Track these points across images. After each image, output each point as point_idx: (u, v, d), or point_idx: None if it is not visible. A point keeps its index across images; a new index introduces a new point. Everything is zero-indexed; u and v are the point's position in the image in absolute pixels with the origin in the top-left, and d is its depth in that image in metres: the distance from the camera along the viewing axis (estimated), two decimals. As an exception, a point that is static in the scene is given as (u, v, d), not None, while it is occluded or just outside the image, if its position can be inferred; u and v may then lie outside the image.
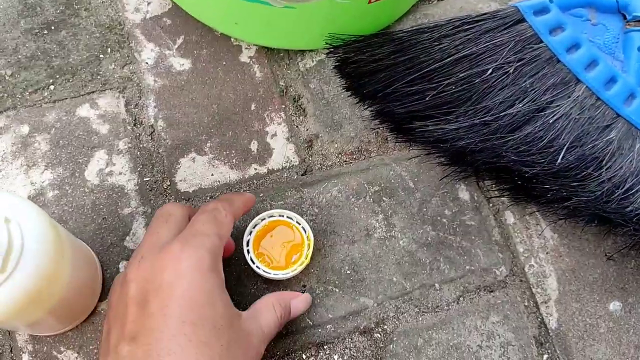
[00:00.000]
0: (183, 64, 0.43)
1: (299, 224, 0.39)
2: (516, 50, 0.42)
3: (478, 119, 0.39)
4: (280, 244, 0.39)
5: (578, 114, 0.41)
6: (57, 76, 0.42)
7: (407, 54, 0.41)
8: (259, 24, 0.40)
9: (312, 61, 0.44)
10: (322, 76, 0.44)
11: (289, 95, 0.43)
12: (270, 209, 0.40)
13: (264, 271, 0.37)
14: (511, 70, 0.41)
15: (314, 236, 0.39)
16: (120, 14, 0.44)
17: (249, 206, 0.37)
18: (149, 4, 0.44)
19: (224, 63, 0.44)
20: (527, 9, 0.43)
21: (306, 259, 0.38)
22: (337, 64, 0.42)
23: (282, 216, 0.39)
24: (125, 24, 0.44)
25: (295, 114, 0.43)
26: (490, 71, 0.41)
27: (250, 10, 0.38)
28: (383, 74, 0.40)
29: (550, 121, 0.40)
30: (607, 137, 0.41)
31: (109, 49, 0.43)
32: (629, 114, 0.42)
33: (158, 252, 0.31)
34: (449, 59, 0.41)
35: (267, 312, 0.34)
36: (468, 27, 0.42)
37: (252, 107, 0.43)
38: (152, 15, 0.44)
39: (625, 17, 0.45)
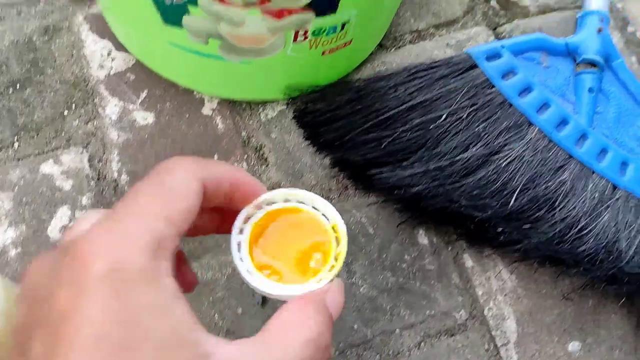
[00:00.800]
0: (147, 118, 0.44)
1: (317, 209, 0.27)
2: (470, 96, 0.43)
3: (432, 164, 0.41)
4: (292, 243, 0.26)
5: (531, 156, 0.42)
6: (22, 134, 0.43)
7: (363, 102, 0.42)
8: (218, 78, 0.41)
9: (274, 111, 0.45)
10: (283, 126, 0.45)
11: (251, 146, 0.44)
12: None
13: (270, 287, 0.24)
14: (465, 115, 0.43)
15: None
16: (85, 71, 0.45)
17: (244, 188, 0.24)
18: (113, 60, 0.45)
19: (187, 116, 0.45)
20: (479, 55, 0.44)
21: (337, 260, 0.25)
22: (296, 114, 0.43)
23: (290, 201, 0.27)
24: (90, 80, 0.45)
25: (258, 163, 0.44)
26: (444, 117, 0.42)
27: (208, 65, 0.39)
28: (340, 123, 0.42)
29: (503, 164, 0.42)
30: (560, 178, 0.42)
31: (74, 106, 0.44)
32: (581, 155, 0.43)
33: (59, 253, 0.19)
34: (403, 106, 0.42)
35: (305, 326, 0.21)
36: (422, 74, 0.43)
37: (215, 158, 0.44)
38: (116, 71, 0.45)
39: (575, 60, 0.47)
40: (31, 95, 0.44)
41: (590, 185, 0.42)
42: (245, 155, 0.44)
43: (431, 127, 0.42)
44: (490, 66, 0.44)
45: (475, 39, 0.49)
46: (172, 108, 0.45)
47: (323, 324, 0.22)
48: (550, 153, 0.43)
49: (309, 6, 0.32)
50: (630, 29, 0.50)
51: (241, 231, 0.25)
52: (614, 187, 0.43)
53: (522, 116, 0.44)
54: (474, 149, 0.42)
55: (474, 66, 0.44)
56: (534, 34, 0.46)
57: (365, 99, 0.42)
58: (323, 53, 0.39)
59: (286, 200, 0.27)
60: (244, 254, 0.25)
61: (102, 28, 0.46)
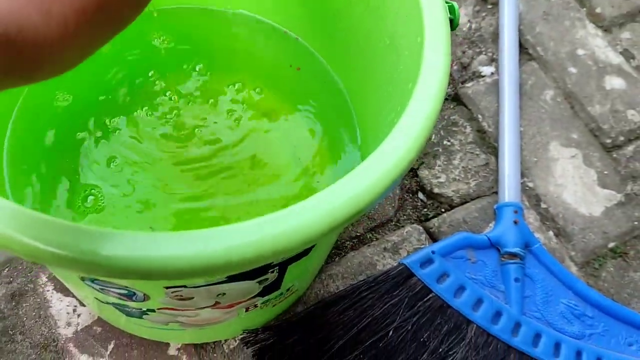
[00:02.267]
0: (116, 369, 0.47)
1: None
2: (411, 306, 0.48)
3: (387, 387, 0.44)
4: None
5: (474, 356, 0.47)
6: (-3, 409, 0.45)
7: (313, 334, 0.46)
8: (180, 335, 0.45)
9: (235, 341, 0.49)
10: (245, 354, 0.48)
11: (218, 379, 0.47)
12: None
13: None
14: (409, 327, 0.47)
15: None
16: (53, 331, 0.48)
17: None
18: (79, 315, 0.48)
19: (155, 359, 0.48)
20: (413, 264, 0.49)
21: None
22: (254, 353, 0.47)
23: None
24: (59, 339, 0.47)
25: (226, 396, 0.47)
26: (391, 332, 0.47)
27: (169, 331, 0.42)
28: (294, 358, 0.45)
29: (451, 372, 0.46)
30: (504, 372, 0.47)
31: (45, 369, 0.46)
32: (518, 344, 0.48)
33: None
34: (353, 330, 0.46)
35: None
36: (365, 294, 0.48)
37: (185, 398, 0.46)
38: (83, 326, 0.48)
39: (499, 250, 0.52)
40: (3, 366, 0.46)
41: (533, 374, 0.47)
42: (214, 390, 0.47)
43: (381, 345, 0.46)
44: (424, 273, 0.49)
45: (409, 240, 0.54)
46: (139, 354, 0.48)
47: None
48: (491, 347, 0.48)
49: (254, 296, 0.37)
50: (543, 205, 0.57)
51: None
52: (552, 373, 0.47)
53: (460, 315, 0.48)
54: (422, 361, 0.46)
55: (411, 275, 0.49)
56: (459, 234, 0.52)
57: (316, 331, 0.46)
58: (274, 305, 0.43)
59: None
60: None
61: (65, 287, 0.49)
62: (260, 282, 0.35)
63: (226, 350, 0.48)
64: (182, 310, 0.36)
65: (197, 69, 0.49)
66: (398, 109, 0.32)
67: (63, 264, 0.23)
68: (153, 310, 0.36)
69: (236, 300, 0.36)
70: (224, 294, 0.34)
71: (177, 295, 0.33)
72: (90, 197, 0.41)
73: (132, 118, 0.45)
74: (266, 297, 0.39)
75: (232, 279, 0.32)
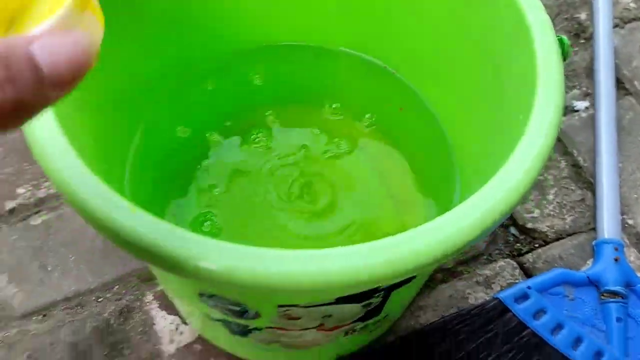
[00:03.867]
0: (214, 388, 0.49)
1: None
2: (506, 341, 0.47)
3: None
4: None
5: (574, 397, 0.45)
6: (106, 418, 0.47)
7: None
8: (277, 356, 0.46)
9: (327, 367, 0.49)
10: (337, 380, 0.49)
11: (310, 403, 0.48)
12: None
13: None
14: (506, 362, 0.46)
15: None
16: (157, 347, 0.50)
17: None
18: (181, 333, 0.51)
19: (250, 380, 0.49)
20: (508, 300, 0.49)
21: None
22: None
23: None
24: (163, 355, 0.50)
25: (318, 421, 0.47)
26: (486, 367, 0.46)
27: (269, 352, 0.44)
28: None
29: (550, 412, 0.44)
30: (606, 416, 0.45)
31: (149, 384, 0.49)
32: (622, 387, 0.46)
33: None
34: (448, 363, 0.46)
35: None
36: (460, 326, 0.48)
37: (279, 421, 0.47)
38: (185, 344, 0.50)
39: (598, 289, 0.51)
40: (112, 378, 0.49)
41: (635, 420, 0.44)
42: (306, 415, 0.47)
43: (476, 379, 0.45)
44: (520, 308, 0.48)
45: (501, 274, 0.53)
46: (235, 375, 0.49)
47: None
48: (592, 389, 0.46)
49: (355, 321, 0.38)
50: (644, 244, 0.55)
51: None
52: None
53: (559, 354, 0.47)
54: (519, 399, 0.45)
55: (505, 310, 0.48)
56: (556, 270, 0.50)
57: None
58: (370, 332, 0.43)
59: None
60: None
61: (169, 304, 0.52)
62: (364, 306, 0.36)
63: (318, 376, 0.49)
64: (287, 330, 0.38)
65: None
66: (504, 147, 0.32)
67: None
68: (259, 329, 0.38)
69: (339, 323, 0.37)
70: (330, 315, 0.35)
71: (286, 315, 0.34)
72: (207, 223, 0.44)
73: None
74: (365, 322, 0.40)
75: (340, 301, 0.33)
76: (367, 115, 0.50)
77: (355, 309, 0.36)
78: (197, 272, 0.25)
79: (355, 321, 0.38)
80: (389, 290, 0.35)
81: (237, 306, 0.34)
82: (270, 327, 0.37)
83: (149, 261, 0.27)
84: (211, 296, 0.34)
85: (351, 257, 0.26)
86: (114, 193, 0.27)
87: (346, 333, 0.41)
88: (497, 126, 0.37)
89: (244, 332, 0.39)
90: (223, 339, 0.46)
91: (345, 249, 0.27)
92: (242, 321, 0.37)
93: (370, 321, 0.40)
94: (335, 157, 0.48)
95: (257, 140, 0.48)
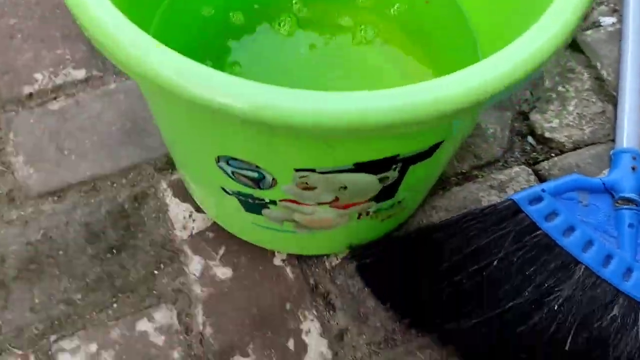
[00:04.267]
0: (225, 273, 0.50)
1: None
2: (517, 240, 0.47)
3: (490, 312, 0.44)
4: None
5: (581, 295, 0.46)
6: (119, 295, 0.48)
7: (418, 256, 0.46)
8: (288, 242, 0.47)
9: (337, 259, 0.50)
10: (346, 271, 0.50)
11: (319, 292, 0.49)
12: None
13: None
14: (515, 260, 0.46)
15: None
16: (171, 232, 0.51)
17: None
18: (194, 221, 0.51)
19: (261, 268, 0.50)
20: (522, 201, 0.48)
21: None
22: (357, 270, 0.48)
23: None
24: (175, 240, 0.51)
25: (325, 309, 0.48)
26: (495, 263, 0.46)
27: (280, 235, 0.44)
28: (398, 278, 0.46)
29: (556, 307, 0.45)
30: (611, 314, 0.45)
31: (162, 265, 0.50)
32: (629, 289, 0.46)
33: None
34: (457, 257, 0.46)
35: None
36: (472, 223, 0.48)
37: (287, 307, 0.48)
38: (198, 231, 0.51)
39: (613, 196, 0.50)
40: (125, 259, 0.50)
41: (640, 320, 0.45)
42: (314, 302, 0.48)
43: (485, 273, 0.46)
44: (533, 210, 0.48)
45: (516, 179, 0.53)
46: (247, 261, 0.50)
47: None
48: (599, 289, 0.46)
49: (370, 200, 0.38)
50: (662, 157, 0.54)
51: None
52: (664, 320, 0.45)
53: (569, 255, 0.47)
54: (526, 293, 0.45)
55: (518, 211, 0.48)
56: (572, 176, 0.50)
57: (419, 252, 0.46)
58: (382, 220, 0.44)
59: None
60: None
61: (183, 192, 0.52)
62: (381, 180, 0.36)
63: (328, 267, 0.50)
64: (301, 204, 0.38)
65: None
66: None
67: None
68: (274, 203, 0.38)
69: (354, 199, 0.37)
70: (346, 187, 0.35)
71: (303, 183, 0.34)
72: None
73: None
74: (380, 204, 0.40)
75: (358, 168, 0.33)
76: (395, 6, 0.48)
77: (371, 182, 0.36)
78: (226, 109, 0.25)
79: (369, 200, 0.38)
80: (407, 163, 0.34)
81: (254, 172, 0.34)
82: (285, 200, 0.38)
83: (179, 94, 0.26)
84: (229, 161, 0.34)
85: (393, 97, 0.26)
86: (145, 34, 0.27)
87: (359, 215, 0.41)
88: (523, 18, 0.35)
89: (259, 207, 0.40)
90: (236, 222, 0.46)
91: (386, 90, 0.26)
92: (257, 192, 0.37)
93: (384, 204, 0.40)
94: (359, 44, 0.47)
95: (282, 24, 0.47)
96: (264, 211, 0.40)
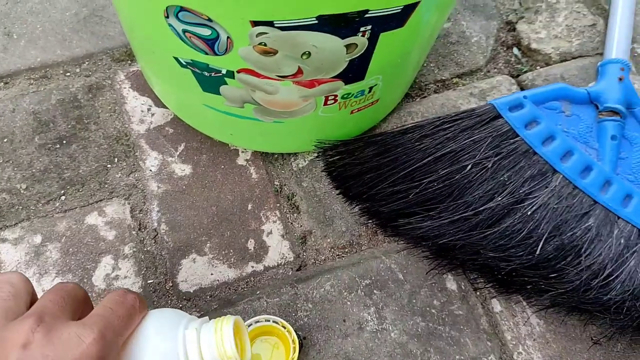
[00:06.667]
0: (184, 170, 0.46)
1: (284, 328, 0.39)
2: (494, 145, 0.45)
3: (459, 214, 0.42)
4: (266, 351, 0.39)
5: (556, 204, 0.43)
6: (68, 187, 0.45)
7: (389, 155, 0.43)
8: (252, 134, 0.43)
9: (304, 161, 0.47)
10: (313, 175, 0.47)
11: (283, 194, 0.46)
12: (266, 306, 0.42)
13: None
14: (489, 165, 0.44)
15: (308, 331, 0.41)
16: (127, 126, 0.48)
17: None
18: (152, 115, 0.48)
19: (222, 167, 0.47)
20: (502, 106, 0.46)
21: None
22: (325, 168, 0.45)
23: (269, 321, 0.39)
24: (131, 134, 0.47)
25: (290, 211, 0.46)
26: (469, 167, 0.44)
27: (243, 124, 0.41)
28: (368, 176, 0.43)
29: (529, 212, 0.43)
30: (585, 225, 0.43)
31: (116, 159, 0.46)
32: (606, 201, 0.44)
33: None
34: (429, 158, 0.44)
35: None
36: (447, 126, 0.45)
37: (249, 207, 0.46)
38: (156, 125, 0.48)
39: (597, 108, 0.48)
40: (76, 151, 0.47)
41: (616, 231, 0.43)
42: (278, 204, 0.46)
43: (457, 177, 0.43)
44: (513, 116, 0.45)
45: (498, 88, 0.50)
46: (208, 159, 0.47)
47: None
48: (575, 200, 0.44)
49: (338, 77, 0.35)
50: (651, 74, 0.52)
51: None
52: (640, 233, 0.43)
53: (546, 164, 0.45)
54: (499, 198, 0.43)
55: (497, 116, 0.46)
56: (556, 84, 0.47)
57: (392, 152, 0.44)
58: (352, 112, 0.41)
59: (266, 320, 0.39)
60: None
61: (142, 85, 0.49)
62: (348, 48, 0.32)
63: (294, 169, 0.47)
64: (262, 77, 0.34)
65: None
66: None
67: None
68: (232, 77, 0.35)
69: (320, 74, 0.34)
70: (309, 54, 0.32)
71: (262, 45, 0.31)
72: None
73: None
74: (349, 87, 0.37)
75: (322, 23, 0.30)
76: None
77: (338, 49, 0.32)
78: None
79: (336, 77, 0.35)
80: (377, 28, 0.31)
81: (207, 27, 0.31)
82: (243, 71, 0.34)
83: None
84: (179, 13, 0.30)
85: None
86: None
87: (326, 101, 0.38)
88: None
89: (216, 82, 0.36)
90: (196, 111, 0.43)
91: None
92: (213, 60, 0.34)
93: (353, 87, 0.37)
94: None
95: None
96: (223, 89, 0.37)
